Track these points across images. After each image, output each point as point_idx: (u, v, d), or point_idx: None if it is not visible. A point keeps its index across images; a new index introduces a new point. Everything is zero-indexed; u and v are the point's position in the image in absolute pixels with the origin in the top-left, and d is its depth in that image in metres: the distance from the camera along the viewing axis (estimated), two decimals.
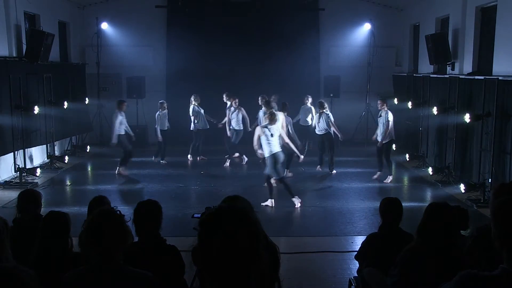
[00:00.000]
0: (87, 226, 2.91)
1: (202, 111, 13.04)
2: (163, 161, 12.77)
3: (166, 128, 12.72)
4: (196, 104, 12.95)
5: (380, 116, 11.03)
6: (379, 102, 11.20)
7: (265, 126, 8.78)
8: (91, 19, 15.19)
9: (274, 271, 2.58)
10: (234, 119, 12.71)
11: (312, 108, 13.06)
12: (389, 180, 10.98)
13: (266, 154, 8.77)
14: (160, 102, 12.84)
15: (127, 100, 15.36)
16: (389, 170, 11.07)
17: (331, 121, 11.47)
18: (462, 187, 9.66)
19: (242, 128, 12.75)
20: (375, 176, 11.13)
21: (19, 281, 2.86)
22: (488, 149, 9.21)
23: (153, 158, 12.88)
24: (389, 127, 10.82)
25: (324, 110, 11.47)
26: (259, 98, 12.18)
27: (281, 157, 8.88)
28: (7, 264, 2.87)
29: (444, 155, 11.59)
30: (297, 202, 8.91)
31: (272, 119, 8.77)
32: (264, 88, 14.40)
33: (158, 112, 12.63)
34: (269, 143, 8.69)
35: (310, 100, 13.17)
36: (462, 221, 4.40)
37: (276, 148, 8.75)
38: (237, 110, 12.70)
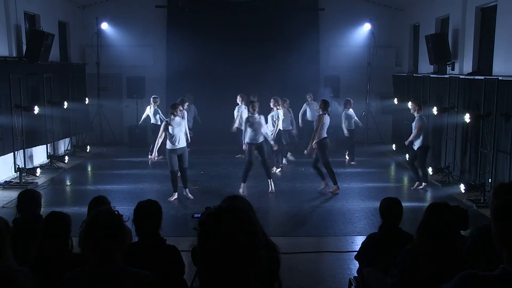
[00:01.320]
0: (86, 227, 2.91)
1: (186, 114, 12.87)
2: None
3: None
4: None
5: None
6: (411, 105, 10.43)
7: None
8: (91, 19, 15.19)
9: (274, 270, 2.58)
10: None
11: (351, 111, 13.06)
12: (420, 187, 10.29)
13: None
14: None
15: (127, 101, 15.46)
16: (418, 177, 10.34)
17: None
18: (462, 187, 9.66)
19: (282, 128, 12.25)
20: (414, 187, 10.38)
21: (17, 284, 2.87)
22: (488, 149, 9.21)
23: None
24: (419, 130, 9.98)
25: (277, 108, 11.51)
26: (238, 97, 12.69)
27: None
28: (4, 267, 2.87)
29: (444, 155, 11.59)
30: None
31: None
32: (264, 88, 14.40)
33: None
34: None
35: (351, 103, 13.12)
36: (462, 221, 4.40)
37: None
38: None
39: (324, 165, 9.87)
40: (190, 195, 9.53)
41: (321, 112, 9.90)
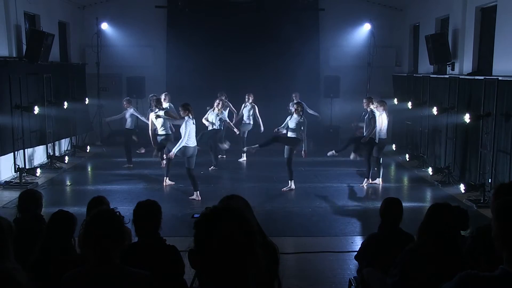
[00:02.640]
0: (86, 226, 2.92)
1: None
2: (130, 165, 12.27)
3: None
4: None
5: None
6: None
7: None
8: (91, 19, 15.18)
9: (274, 270, 2.58)
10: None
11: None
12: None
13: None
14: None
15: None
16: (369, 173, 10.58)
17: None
18: (462, 187, 9.66)
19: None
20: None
21: (14, 281, 2.88)
22: (488, 149, 9.21)
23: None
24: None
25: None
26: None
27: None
28: (3, 265, 2.87)
29: (444, 155, 11.58)
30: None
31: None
32: (264, 87, 14.41)
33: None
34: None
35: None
36: (462, 221, 4.40)
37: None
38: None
39: (288, 161, 10.04)
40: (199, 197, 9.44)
41: (300, 115, 9.91)
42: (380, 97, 15.63)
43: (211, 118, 11.88)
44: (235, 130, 12.40)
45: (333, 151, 10.72)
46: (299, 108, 9.95)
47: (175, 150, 9.15)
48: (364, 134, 10.39)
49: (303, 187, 10.34)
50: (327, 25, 15.76)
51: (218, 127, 11.88)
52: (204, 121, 11.94)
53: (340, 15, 15.52)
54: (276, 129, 10.40)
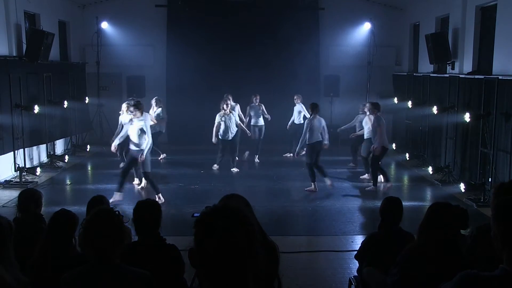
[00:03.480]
0: (86, 226, 2.92)
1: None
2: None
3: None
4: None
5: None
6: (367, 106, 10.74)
7: None
8: (91, 18, 15.18)
9: (274, 269, 2.58)
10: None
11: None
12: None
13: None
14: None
15: (127, 100, 15.40)
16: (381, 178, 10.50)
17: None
18: (462, 186, 9.66)
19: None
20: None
21: (4, 280, 2.88)
22: (488, 149, 9.21)
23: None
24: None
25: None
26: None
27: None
28: None
29: (444, 155, 11.59)
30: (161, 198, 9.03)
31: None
32: (264, 87, 14.38)
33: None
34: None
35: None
36: (462, 221, 4.40)
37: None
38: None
39: (307, 165, 10.05)
40: (162, 199, 9.04)
41: (310, 114, 9.96)
42: (380, 96, 15.74)
43: (226, 122, 11.58)
44: (247, 132, 12.39)
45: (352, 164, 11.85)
46: (310, 109, 10.08)
47: (145, 152, 8.82)
48: (373, 143, 10.13)
49: (303, 186, 10.33)
50: (327, 24, 15.75)
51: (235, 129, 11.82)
52: (215, 129, 11.72)
53: (340, 14, 15.51)
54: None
